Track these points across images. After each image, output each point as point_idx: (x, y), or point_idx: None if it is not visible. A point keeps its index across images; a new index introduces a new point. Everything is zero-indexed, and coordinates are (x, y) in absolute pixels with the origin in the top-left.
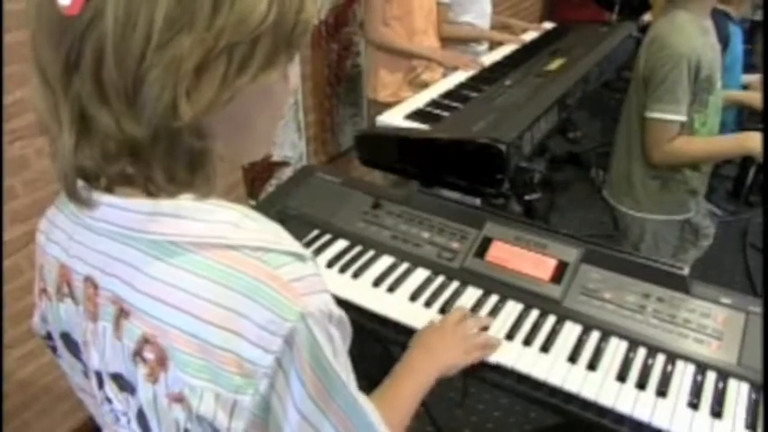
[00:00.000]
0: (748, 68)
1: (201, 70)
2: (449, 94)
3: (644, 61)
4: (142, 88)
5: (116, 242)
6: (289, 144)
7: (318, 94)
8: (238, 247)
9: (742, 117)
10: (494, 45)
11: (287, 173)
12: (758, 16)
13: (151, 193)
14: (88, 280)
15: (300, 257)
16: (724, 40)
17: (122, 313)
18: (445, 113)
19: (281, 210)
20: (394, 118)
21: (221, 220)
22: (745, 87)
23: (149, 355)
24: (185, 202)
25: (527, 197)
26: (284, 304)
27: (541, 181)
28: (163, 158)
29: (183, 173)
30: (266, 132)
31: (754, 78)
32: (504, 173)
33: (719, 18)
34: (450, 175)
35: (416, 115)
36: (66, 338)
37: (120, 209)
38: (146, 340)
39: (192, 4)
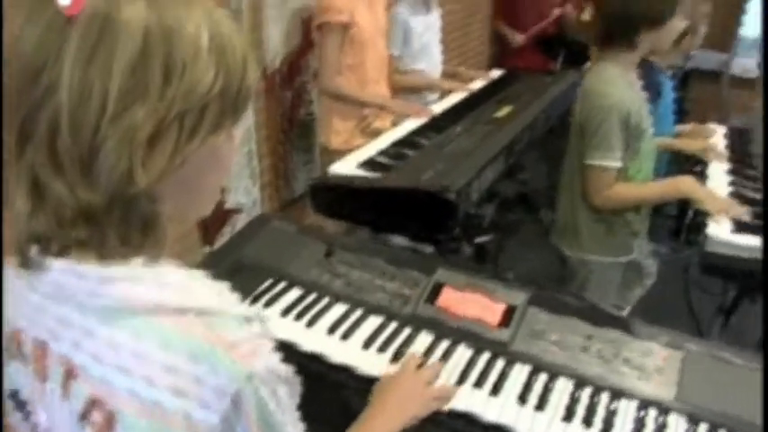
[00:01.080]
0: (682, 115)
1: (155, 139)
2: (400, 143)
3: (578, 112)
4: (97, 158)
5: (67, 306)
6: (243, 190)
7: (272, 141)
8: (186, 310)
9: (675, 162)
10: (444, 93)
11: (241, 219)
12: (690, 65)
13: (103, 256)
14: (38, 341)
15: (247, 319)
16: (656, 90)
17: (71, 375)
18: (396, 162)
19: (236, 259)
20: (346, 167)
21: (170, 284)
22: (678, 135)
23: (97, 417)
24: (136, 266)
25: (478, 239)
26: (231, 366)
27: (492, 223)
28: (117, 224)
29: (136, 236)
30: (214, 190)
31: (686, 127)
32: (454, 220)
33: (650, 69)
34: (402, 222)
35: (368, 164)
36: (15, 397)
37: (72, 274)
38: (93, 402)
39: (145, 76)
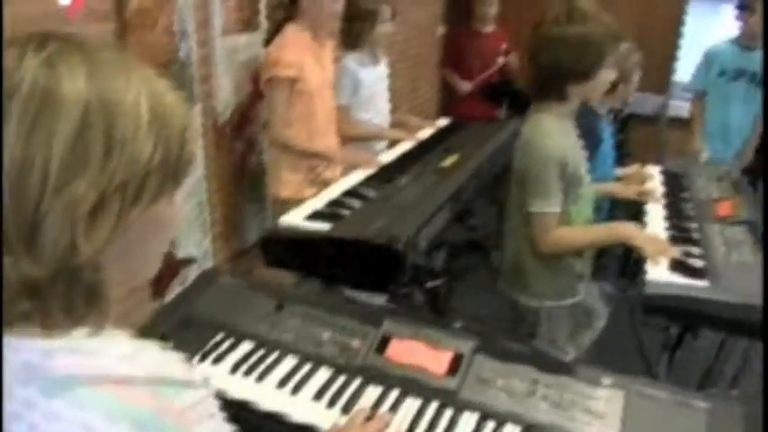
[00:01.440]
0: (624, 157)
1: (97, 210)
2: (349, 194)
3: (518, 161)
4: (41, 231)
5: (7, 377)
6: (193, 242)
7: (223, 192)
8: (132, 379)
9: (616, 205)
10: (393, 142)
11: (192, 271)
12: (629, 108)
13: (47, 328)
14: None
15: (190, 384)
16: (595, 137)
17: None
18: (345, 212)
19: (186, 314)
20: (296, 219)
21: (114, 354)
22: (619, 179)
23: None
24: (80, 337)
25: (429, 284)
26: None
27: (443, 269)
28: (61, 296)
29: (80, 307)
30: (157, 254)
31: (627, 171)
32: (402, 270)
33: (589, 116)
34: (352, 273)
35: (318, 215)
36: None
37: (16, 349)
38: None
39: (86, 150)
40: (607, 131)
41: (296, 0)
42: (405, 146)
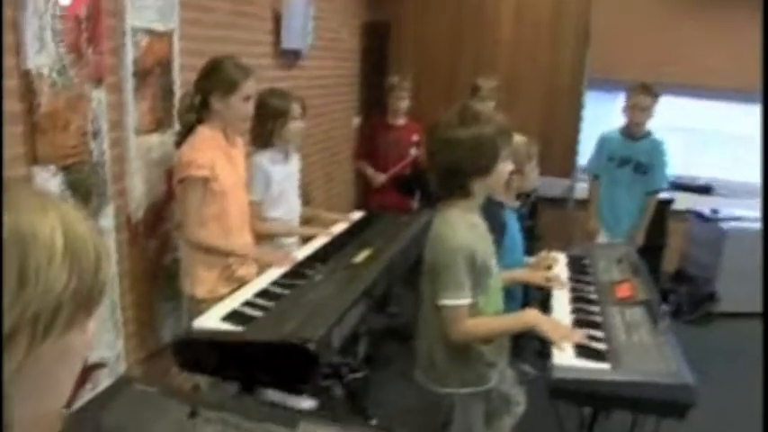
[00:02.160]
0: (534, 241)
1: (8, 340)
2: (263, 293)
3: (428, 254)
4: None
5: None
6: (105, 344)
7: (136, 291)
8: None
9: (527, 293)
10: (306, 238)
11: (103, 375)
12: (537, 194)
13: None
14: None
15: None
16: (501, 226)
17: None
18: (259, 313)
19: (96, 424)
20: (210, 321)
21: None
22: (527, 265)
23: None
24: None
25: (349, 377)
26: None
27: (364, 359)
28: None
29: None
30: (68, 383)
31: (533, 259)
32: (316, 370)
33: (495, 208)
34: (266, 375)
35: (232, 317)
36: None
37: None
38: None
39: None
40: (512, 219)
41: (207, 102)
42: (319, 241)
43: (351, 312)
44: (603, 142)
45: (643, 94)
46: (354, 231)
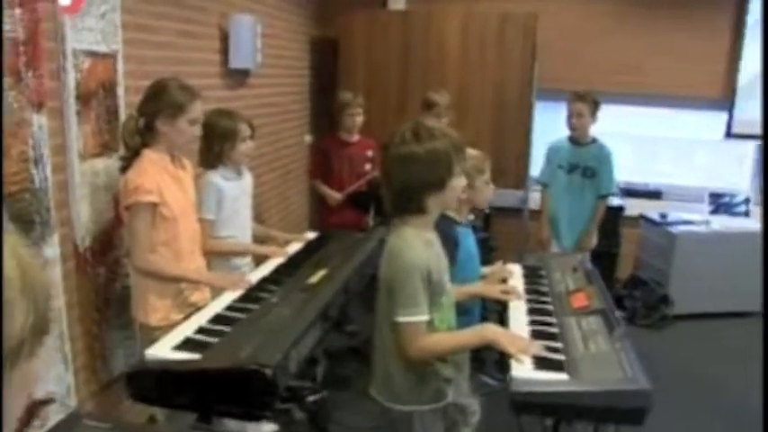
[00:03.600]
0: (490, 252)
1: None
2: (217, 319)
3: (384, 272)
4: None
5: None
6: (53, 378)
7: (86, 321)
8: None
9: (485, 307)
10: (260, 258)
11: (52, 411)
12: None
13: None
14: None
15: None
16: (454, 242)
17: None
18: (214, 339)
19: None
20: (163, 350)
21: None
22: (483, 278)
23: None
24: None
25: (309, 399)
26: None
27: (324, 379)
28: None
29: None
30: (17, 411)
31: (489, 270)
32: (274, 395)
33: (447, 224)
34: (223, 403)
35: (185, 345)
36: None
37: None
38: None
39: None
40: (465, 234)
41: (153, 125)
42: (273, 263)
43: (308, 334)
44: (552, 151)
45: (577, 101)
46: (310, 251)
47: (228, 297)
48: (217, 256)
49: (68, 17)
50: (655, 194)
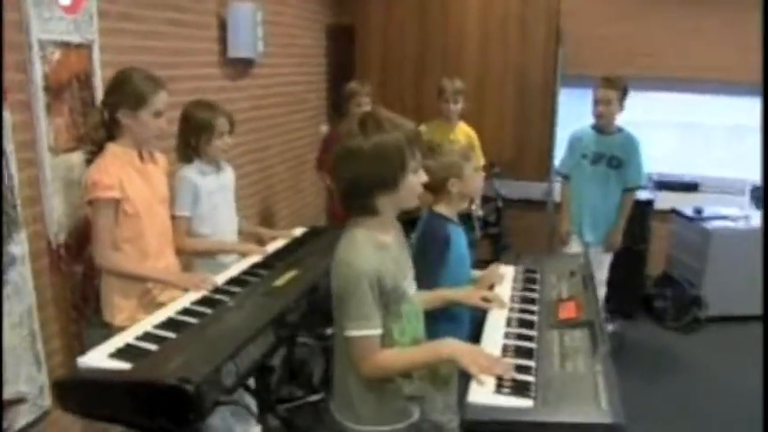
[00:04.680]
0: (501, 250)
1: None
2: (166, 324)
3: (332, 280)
4: None
5: None
6: (24, 378)
7: (62, 319)
8: None
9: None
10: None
11: (23, 411)
12: (517, 195)
13: None
14: None
15: None
16: (444, 242)
17: None
18: (153, 348)
19: None
20: (96, 358)
21: None
22: (473, 281)
23: None
24: None
25: (283, 406)
26: None
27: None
28: None
29: None
30: None
31: (480, 274)
32: (197, 413)
33: (437, 222)
34: (149, 419)
35: (122, 352)
36: None
37: None
38: None
39: None
40: (458, 233)
41: (116, 118)
42: (247, 262)
43: (253, 344)
44: (575, 140)
45: (606, 87)
46: (290, 249)
47: (187, 299)
48: (195, 254)
49: (34, 7)
50: (690, 187)
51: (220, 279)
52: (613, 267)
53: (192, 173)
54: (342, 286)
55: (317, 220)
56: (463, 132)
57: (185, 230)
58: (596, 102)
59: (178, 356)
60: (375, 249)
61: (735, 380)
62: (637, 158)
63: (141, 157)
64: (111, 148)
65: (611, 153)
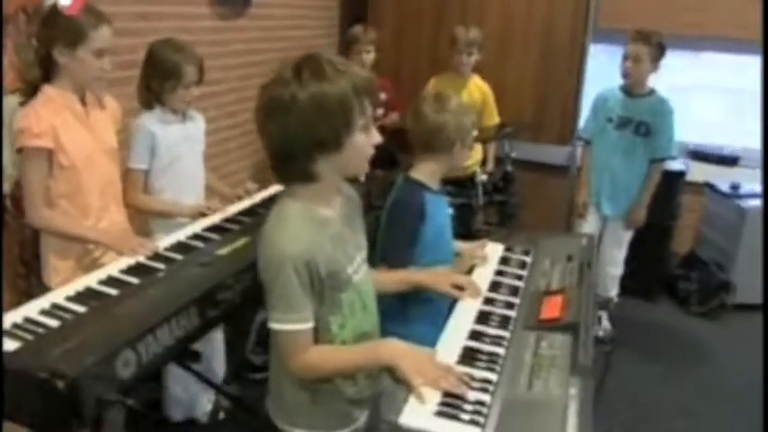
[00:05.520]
0: (505, 219)
1: None
2: (82, 295)
3: (257, 262)
4: None
5: None
6: None
7: (9, 275)
8: None
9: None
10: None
11: None
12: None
13: None
14: None
15: None
16: (419, 215)
17: None
18: (55, 324)
19: None
20: None
21: None
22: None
23: None
24: None
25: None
26: None
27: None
28: None
29: None
30: None
31: (466, 246)
32: (77, 416)
33: (412, 190)
34: (23, 412)
35: (18, 329)
36: None
37: None
38: None
39: None
40: (439, 205)
41: (51, 56)
42: (205, 222)
43: (168, 326)
44: (600, 101)
45: (636, 41)
46: (253, 212)
47: (115, 266)
48: (149, 213)
49: None
50: (729, 160)
51: (165, 243)
52: (636, 242)
53: (149, 121)
54: (264, 269)
55: None
56: (476, 87)
57: (140, 185)
58: (624, 58)
59: (69, 340)
60: (309, 226)
61: (760, 372)
62: (668, 126)
63: (84, 101)
64: (46, 91)
65: (640, 118)
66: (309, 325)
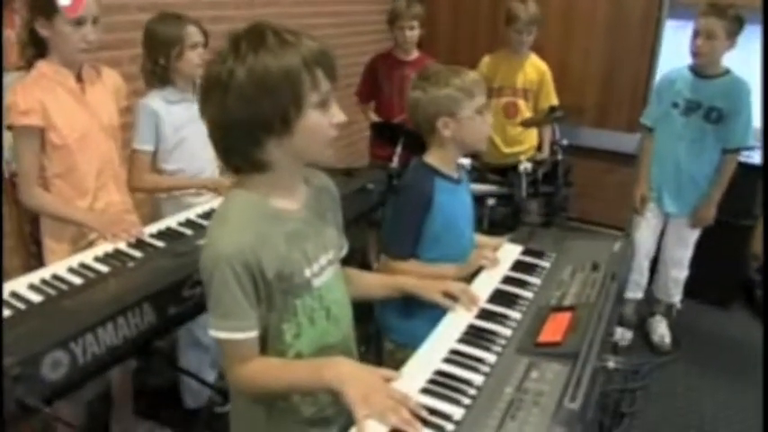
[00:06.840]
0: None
1: None
2: (43, 283)
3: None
4: None
5: None
6: None
7: (22, 253)
8: None
9: None
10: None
11: None
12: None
13: None
14: None
15: None
16: (425, 204)
17: None
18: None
19: None
20: None
21: None
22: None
23: None
24: None
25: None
26: None
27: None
28: None
29: None
30: None
31: (484, 241)
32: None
33: (423, 175)
34: None
35: None
36: None
37: None
38: None
39: None
40: (450, 192)
41: (35, 30)
42: (206, 207)
43: (113, 324)
44: (665, 83)
45: (708, 15)
46: None
47: (92, 252)
48: (164, 193)
49: None
50: None
51: (152, 229)
52: (708, 241)
53: (154, 101)
54: (201, 270)
55: (361, 160)
56: (533, 67)
57: (146, 167)
58: (695, 34)
59: (7, 335)
60: (256, 221)
61: None
62: (745, 111)
63: (81, 77)
64: (39, 67)
65: (711, 103)
66: (251, 334)
